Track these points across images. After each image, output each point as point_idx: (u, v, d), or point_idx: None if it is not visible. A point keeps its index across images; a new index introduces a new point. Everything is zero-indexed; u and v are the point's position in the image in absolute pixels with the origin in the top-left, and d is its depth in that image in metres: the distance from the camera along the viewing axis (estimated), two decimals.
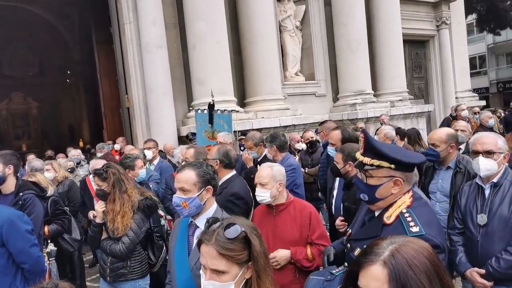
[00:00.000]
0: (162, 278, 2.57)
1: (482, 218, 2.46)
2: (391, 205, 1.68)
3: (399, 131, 5.41)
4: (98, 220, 2.93)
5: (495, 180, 2.50)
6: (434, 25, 12.10)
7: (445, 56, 12.22)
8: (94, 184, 3.48)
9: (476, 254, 2.49)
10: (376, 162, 1.66)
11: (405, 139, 5.33)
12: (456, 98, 12.34)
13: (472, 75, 16.47)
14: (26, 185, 3.04)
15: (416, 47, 12.04)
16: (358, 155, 1.76)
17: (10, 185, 2.98)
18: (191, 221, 2.02)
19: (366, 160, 1.69)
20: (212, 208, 2.01)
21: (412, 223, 1.58)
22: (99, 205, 2.95)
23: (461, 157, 3.12)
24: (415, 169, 2.37)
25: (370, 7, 9.50)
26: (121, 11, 7.37)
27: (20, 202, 2.88)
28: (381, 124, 7.48)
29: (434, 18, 12.08)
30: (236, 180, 3.04)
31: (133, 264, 2.92)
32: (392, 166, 1.65)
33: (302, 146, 5.76)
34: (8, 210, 2.53)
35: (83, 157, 6.89)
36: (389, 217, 1.65)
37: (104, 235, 2.93)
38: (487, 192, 2.51)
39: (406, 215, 1.62)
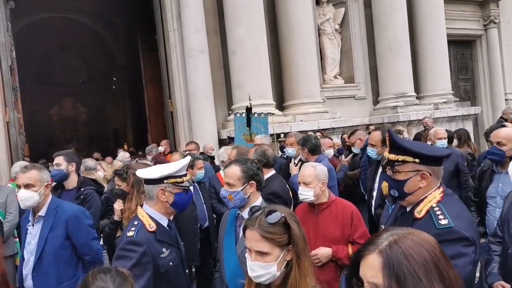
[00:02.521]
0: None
1: None
2: (422, 200, 1.73)
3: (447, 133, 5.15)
4: (115, 218, 3.05)
5: None
6: (481, 24, 11.59)
7: (493, 57, 11.67)
8: None
9: (507, 267, 2.21)
10: (400, 157, 1.74)
11: (455, 141, 5.06)
12: (506, 100, 11.73)
13: None
14: (87, 182, 3.34)
15: (462, 47, 11.59)
16: (385, 153, 1.85)
17: (73, 181, 3.31)
18: (238, 213, 2.18)
19: (392, 156, 1.78)
20: (257, 202, 2.15)
21: (441, 216, 1.63)
22: (117, 204, 3.06)
23: None
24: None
25: (412, 7, 9.28)
26: (166, 19, 7.72)
27: (82, 197, 3.17)
28: (424, 127, 7.26)
29: (481, 17, 11.58)
30: (275, 179, 3.12)
31: None
32: (416, 160, 1.71)
33: (331, 152, 5.15)
34: (72, 206, 2.78)
35: (130, 159, 7.23)
36: (420, 211, 1.70)
37: (119, 233, 3.03)
38: None
39: (436, 209, 1.67)
